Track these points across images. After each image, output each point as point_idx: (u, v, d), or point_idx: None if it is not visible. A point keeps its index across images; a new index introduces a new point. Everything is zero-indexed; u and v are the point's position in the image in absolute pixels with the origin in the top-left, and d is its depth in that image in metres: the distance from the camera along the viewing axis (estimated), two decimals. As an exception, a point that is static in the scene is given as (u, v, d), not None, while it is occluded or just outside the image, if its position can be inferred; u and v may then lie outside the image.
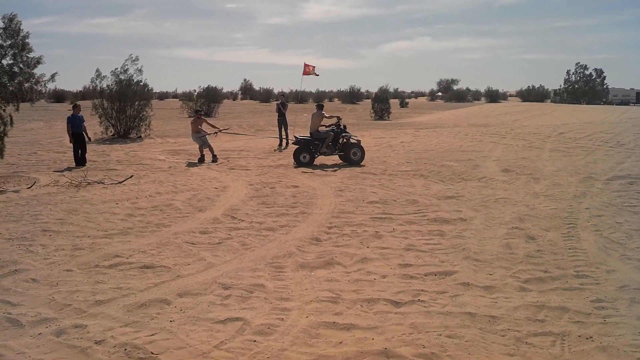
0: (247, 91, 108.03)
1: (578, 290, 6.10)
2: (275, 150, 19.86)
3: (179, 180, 13.45)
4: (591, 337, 4.95)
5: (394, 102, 56.76)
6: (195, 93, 45.36)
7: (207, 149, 17.01)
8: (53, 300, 5.95)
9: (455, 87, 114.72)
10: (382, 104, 41.86)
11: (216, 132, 18.16)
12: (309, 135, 16.65)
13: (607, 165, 14.75)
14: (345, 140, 16.48)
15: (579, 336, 4.98)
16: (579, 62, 68.98)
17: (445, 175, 13.80)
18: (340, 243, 8.07)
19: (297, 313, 5.57)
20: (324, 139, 16.37)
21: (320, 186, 12.46)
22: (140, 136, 24.98)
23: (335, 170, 14.78)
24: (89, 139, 17.12)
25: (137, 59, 25.21)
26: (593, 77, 66.07)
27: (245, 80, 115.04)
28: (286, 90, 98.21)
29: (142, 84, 25.44)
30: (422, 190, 11.94)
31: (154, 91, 63.53)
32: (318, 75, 21.48)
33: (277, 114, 21.45)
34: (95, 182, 13.18)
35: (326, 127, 16.77)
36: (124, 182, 13.16)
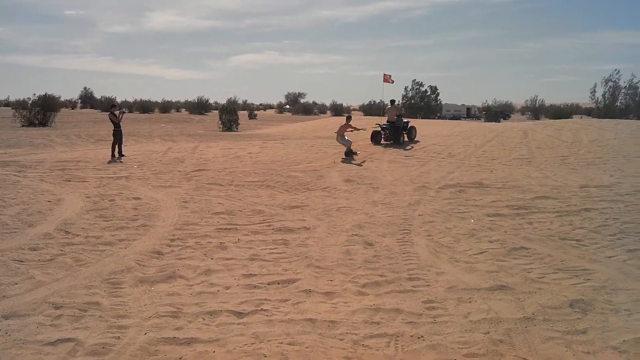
0: (88, 100, 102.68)
1: (411, 292, 6.45)
2: (114, 160, 18.97)
3: (7, 193, 12.38)
4: (422, 337, 5.24)
5: (243, 114, 56.93)
6: (30, 101, 42.09)
7: (349, 147, 20.49)
8: None
9: (302, 101, 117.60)
10: (230, 115, 41.66)
11: (357, 130, 21.99)
12: (390, 123, 23.27)
13: (439, 175, 15.80)
14: (409, 125, 24.20)
15: (411, 336, 5.25)
16: (415, 79, 73.35)
17: (291, 185, 14.01)
18: (183, 255, 7.87)
19: (134, 330, 5.33)
20: (401, 125, 23.31)
21: (163, 198, 12.10)
22: (-37, 147, 22.77)
23: (181, 181, 14.43)
24: None
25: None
26: (428, 94, 70.70)
27: (85, 88, 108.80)
28: (130, 99, 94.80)
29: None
30: (268, 200, 12.02)
31: (-19, 98, 58.31)
32: (393, 82, 26.04)
33: (112, 125, 20.38)
34: None
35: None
36: (-59, 197, 11.87)
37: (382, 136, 23.55)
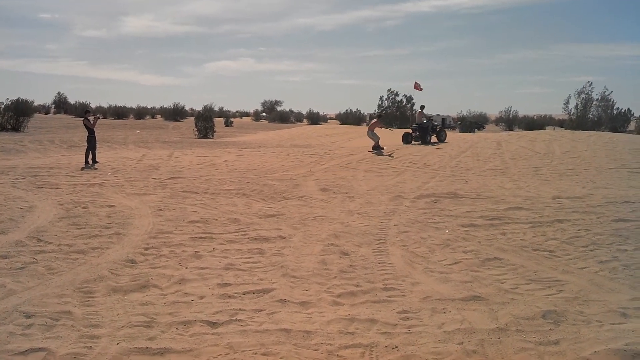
0: (62, 105, 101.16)
1: (386, 302, 6.47)
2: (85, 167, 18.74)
3: (-24, 199, 12.16)
4: (397, 347, 5.25)
5: (219, 121, 56.54)
6: (3, 105, 41.35)
7: (377, 141, 24.30)
8: None
9: (278, 108, 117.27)
10: (206, 122, 41.39)
11: (385, 128, 26.45)
12: (419, 125, 27.57)
13: (415, 184, 15.90)
14: (438, 128, 28.71)
15: (386, 346, 5.27)
16: (390, 89, 73.23)
17: (267, 194, 13.98)
18: (157, 264, 7.81)
19: (107, 340, 5.26)
20: (428, 127, 27.51)
21: (138, 205, 11.98)
22: None
23: (155, 189, 14.31)
24: None
25: None
26: (404, 103, 70.84)
27: (59, 93, 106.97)
28: (104, 105, 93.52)
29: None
30: (244, 208, 11.97)
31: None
32: (422, 89, 30.57)
33: (87, 131, 20.12)
34: None
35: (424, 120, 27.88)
36: None
37: (412, 136, 27.74)
